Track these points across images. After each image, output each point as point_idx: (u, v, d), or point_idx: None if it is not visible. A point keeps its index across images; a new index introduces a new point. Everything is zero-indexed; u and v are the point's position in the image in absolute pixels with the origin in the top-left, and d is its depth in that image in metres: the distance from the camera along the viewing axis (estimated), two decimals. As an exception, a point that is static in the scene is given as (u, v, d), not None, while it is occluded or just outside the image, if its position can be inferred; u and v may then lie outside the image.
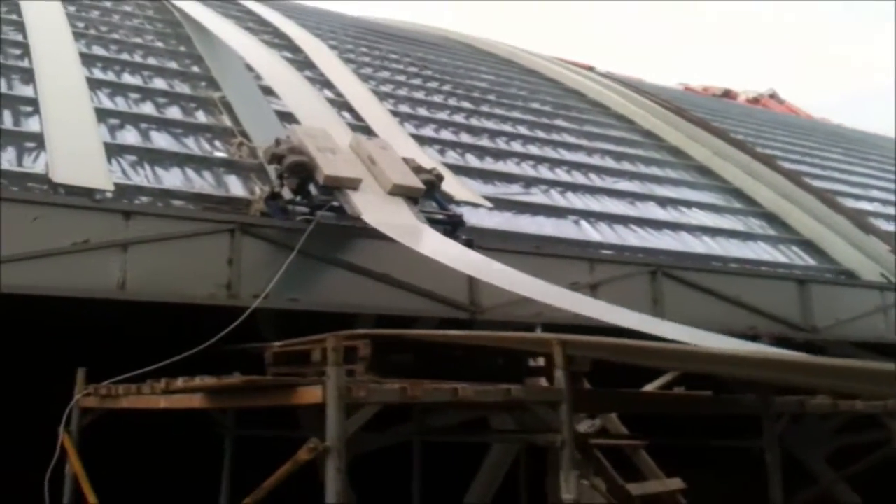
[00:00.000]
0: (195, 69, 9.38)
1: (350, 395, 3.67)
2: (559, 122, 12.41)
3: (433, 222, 6.28)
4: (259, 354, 5.52)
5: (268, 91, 9.07)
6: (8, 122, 6.69)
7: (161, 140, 7.36)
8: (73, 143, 6.42)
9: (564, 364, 4.22)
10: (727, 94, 30.45)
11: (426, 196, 6.45)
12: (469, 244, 6.21)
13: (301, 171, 5.81)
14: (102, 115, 7.31)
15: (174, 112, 8.08)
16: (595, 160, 10.96)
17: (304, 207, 6.03)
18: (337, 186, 5.84)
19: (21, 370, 6.31)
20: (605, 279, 7.09)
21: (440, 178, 6.58)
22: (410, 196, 6.11)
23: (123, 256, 5.26)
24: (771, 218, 10.86)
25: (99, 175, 6.10)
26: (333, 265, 5.96)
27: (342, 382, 3.65)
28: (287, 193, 6.18)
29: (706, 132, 13.10)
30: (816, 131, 21.15)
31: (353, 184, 5.88)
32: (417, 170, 6.40)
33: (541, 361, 5.96)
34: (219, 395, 4.09)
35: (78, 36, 9.14)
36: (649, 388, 6.35)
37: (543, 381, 5.40)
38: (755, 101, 30.25)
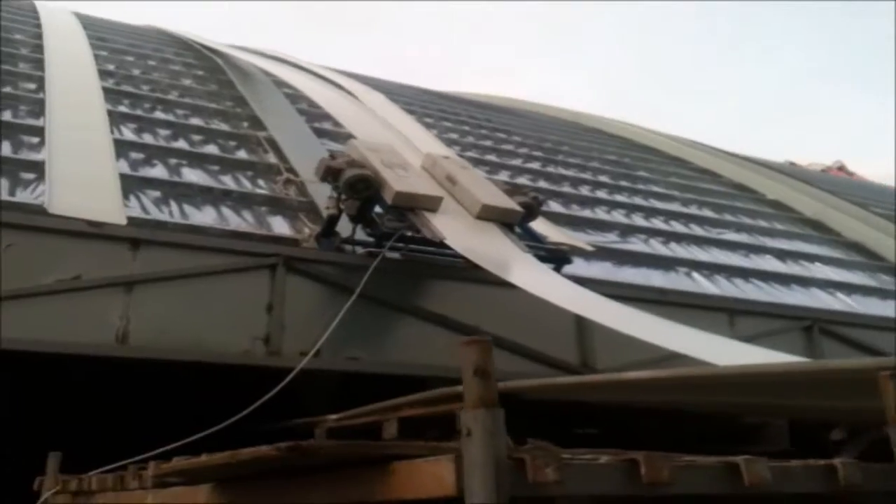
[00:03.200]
0: (237, 110, 8.24)
1: (525, 478, 1.73)
2: (641, 174, 11.01)
3: (532, 258, 4.81)
4: (303, 434, 4.03)
5: (321, 133, 7.91)
6: (6, 151, 5.52)
7: (193, 176, 6.11)
8: (79, 171, 5.20)
9: None
10: (792, 165, 29.02)
11: (520, 226, 4.98)
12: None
13: (364, 188, 4.41)
14: (123, 147, 6.11)
15: (210, 149, 6.88)
16: (693, 210, 9.50)
17: (368, 238, 4.63)
18: (411, 207, 4.43)
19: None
20: (750, 335, 5.52)
21: (539, 201, 5.13)
22: (504, 221, 4.66)
23: (126, 299, 3.89)
24: (903, 273, 9.19)
25: (108, 207, 4.81)
26: (404, 313, 4.52)
27: (501, 451, 1.71)
28: (344, 229, 4.81)
29: (812, 186, 11.80)
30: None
31: (432, 203, 4.47)
32: (511, 191, 4.97)
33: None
34: (241, 485, 2.36)
35: (106, 75, 8.11)
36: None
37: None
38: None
